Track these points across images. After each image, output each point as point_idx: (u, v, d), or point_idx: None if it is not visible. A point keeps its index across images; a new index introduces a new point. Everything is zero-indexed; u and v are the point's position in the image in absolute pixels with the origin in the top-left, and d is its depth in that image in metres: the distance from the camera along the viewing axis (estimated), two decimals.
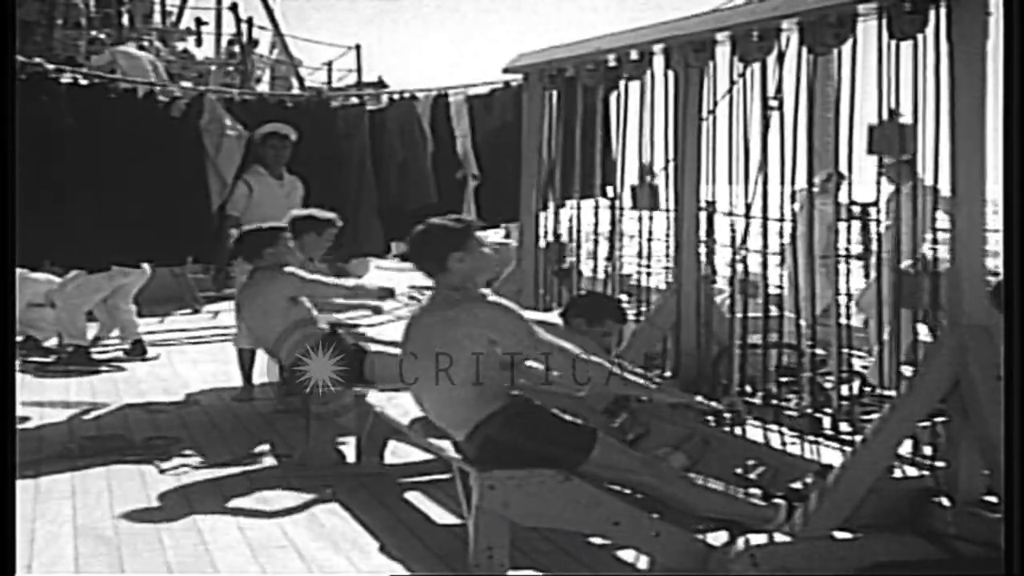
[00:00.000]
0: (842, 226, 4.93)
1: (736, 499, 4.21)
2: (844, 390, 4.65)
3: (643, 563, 4.28)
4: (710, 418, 4.91)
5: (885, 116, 4.22)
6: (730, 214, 5.35)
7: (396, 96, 8.55)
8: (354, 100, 8.60)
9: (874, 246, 7.14)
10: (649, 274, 5.94)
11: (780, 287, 5.08)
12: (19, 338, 8.64)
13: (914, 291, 4.18)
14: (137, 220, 7.17)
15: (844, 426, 4.51)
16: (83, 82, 7.37)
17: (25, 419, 6.70)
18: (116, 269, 8.29)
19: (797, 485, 4.19)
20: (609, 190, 6.36)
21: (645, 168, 5.67)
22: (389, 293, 6.68)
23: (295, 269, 6.25)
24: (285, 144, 7.57)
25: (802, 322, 5.04)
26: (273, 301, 6.14)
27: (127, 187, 7.12)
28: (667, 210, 5.59)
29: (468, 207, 8.57)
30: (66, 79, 7.19)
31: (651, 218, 5.74)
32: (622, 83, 5.80)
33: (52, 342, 9.04)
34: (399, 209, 8.12)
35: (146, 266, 8.73)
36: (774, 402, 4.87)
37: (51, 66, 7.16)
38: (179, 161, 7.30)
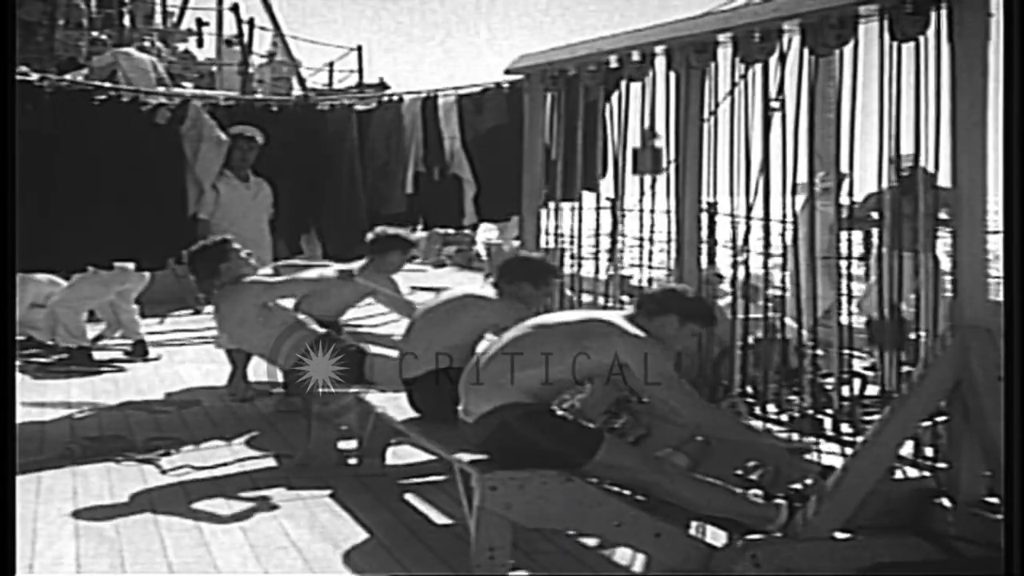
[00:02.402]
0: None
1: (740, 498, 4.21)
2: (845, 391, 4.64)
3: (640, 564, 4.28)
4: None
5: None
6: (732, 215, 5.34)
7: (385, 99, 8.55)
8: (343, 102, 8.60)
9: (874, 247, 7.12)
10: (651, 278, 5.93)
11: (782, 288, 5.07)
12: (20, 338, 8.64)
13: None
14: (116, 223, 7.19)
15: (845, 427, 4.51)
16: (65, 86, 7.41)
17: (26, 419, 6.71)
18: (114, 274, 8.28)
19: (798, 486, 4.20)
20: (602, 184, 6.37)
21: (647, 132, 5.65)
22: (348, 275, 6.62)
23: (255, 277, 6.25)
24: (251, 146, 7.57)
25: (804, 330, 5.03)
26: (245, 312, 6.12)
27: (109, 191, 7.14)
28: (668, 211, 5.58)
29: (465, 208, 8.57)
30: (52, 84, 7.21)
31: (652, 219, 5.73)
32: (623, 84, 5.80)
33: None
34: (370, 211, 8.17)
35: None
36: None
37: (35, 75, 7.17)
38: (159, 166, 7.32)
